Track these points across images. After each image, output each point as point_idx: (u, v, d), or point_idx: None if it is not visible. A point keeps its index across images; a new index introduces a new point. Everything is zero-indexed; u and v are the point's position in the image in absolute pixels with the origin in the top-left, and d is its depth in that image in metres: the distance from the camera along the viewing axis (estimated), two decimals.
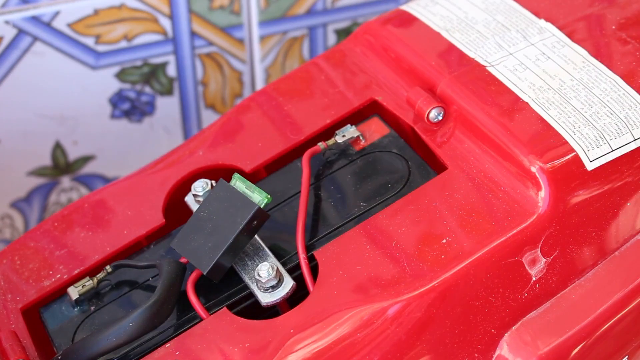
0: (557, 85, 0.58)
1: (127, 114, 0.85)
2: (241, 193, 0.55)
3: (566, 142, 0.55)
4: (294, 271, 0.56)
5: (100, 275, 0.58)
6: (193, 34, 0.83)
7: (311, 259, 0.55)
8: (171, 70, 0.84)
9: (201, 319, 0.55)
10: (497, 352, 0.54)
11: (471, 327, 0.54)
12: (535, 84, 0.58)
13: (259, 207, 0.54)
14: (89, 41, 0.80)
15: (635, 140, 0.56)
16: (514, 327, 0.54)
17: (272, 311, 0.56)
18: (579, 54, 0.60)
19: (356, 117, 0.63)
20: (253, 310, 0.56)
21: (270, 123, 0.64)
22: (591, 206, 0.55)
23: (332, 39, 0.88)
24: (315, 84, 0.65)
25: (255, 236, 0.56)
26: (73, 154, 0.85)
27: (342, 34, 0.88)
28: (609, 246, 0.56)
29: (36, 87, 0.80)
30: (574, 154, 0.55)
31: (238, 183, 0.56)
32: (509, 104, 0.57)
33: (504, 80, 0.59)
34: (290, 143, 0.62)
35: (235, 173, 0.56)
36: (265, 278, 0.54)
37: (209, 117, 0.88)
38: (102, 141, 0.85)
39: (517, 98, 0.57)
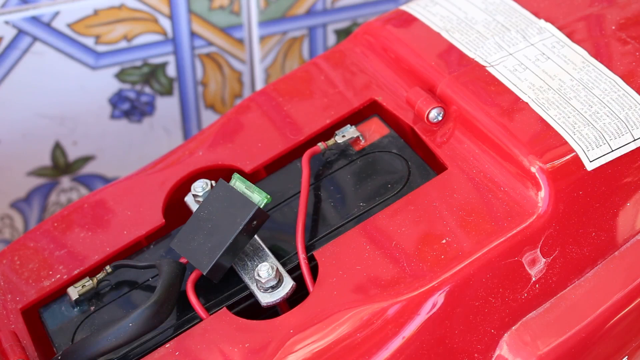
0: (556, 85, 0.58)
1: (127, 114, 0.85)
2: (241, 193, 0.55)
3: (566, 143, 0.55)
4: (294, 271, 0.55)
5: (100, 275, 0.58)
6: (193, 34, 0.83)
7: (311, 259, 0.55)
8: (171, 71, 0.84)
9: (201, 319, 0.54)
10: (497, 352, 0.54)
11: (471, 327, 0.54)
12: (535, 84, 0.58)
13: (259, 207, 0.54)
14: (89, 41, 0.79)
15: (635, 140, 0.56)
16: (513, 327, 0.54)
17: (272, 311, 0.56)
18: (578, 54, 0.60)
19: (356, 117, 0.63)
20: (253, 310, 0.56)
21: (270, 123, 0.64)
22: (591, 206, 0.55)
23: (331, 39, 0.88)
24: (315, 84, 0.65)
25: (255, 236, 0.56)
26: (73, 154, 0.85)
27: (342, 34, 0.88)
28: (608, 246, 0.56)
29: (36, 87, 0.80)
30: (573, 154, 0.55)
31: (238, 183, 0.56)
32: (509, 104, 0.57)
33: (503, 80, 0.59)
34: (290, 143, 0.62)
35: (235, 173, 0.56)
36: (265, 278, 0.54)
37: (208, 117, 0.88)
38: (102, 141, 0.85)
39: (517, 98, 0.57)
